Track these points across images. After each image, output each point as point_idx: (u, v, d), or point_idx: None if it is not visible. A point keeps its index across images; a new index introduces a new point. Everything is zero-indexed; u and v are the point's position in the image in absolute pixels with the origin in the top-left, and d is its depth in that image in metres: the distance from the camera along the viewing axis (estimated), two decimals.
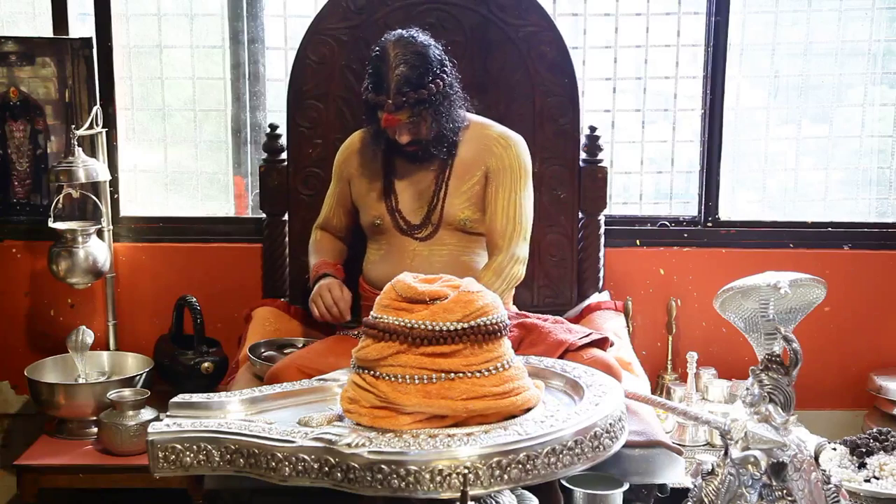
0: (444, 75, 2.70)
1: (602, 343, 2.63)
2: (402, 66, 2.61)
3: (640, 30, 3.58)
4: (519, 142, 2.84)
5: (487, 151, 2.81)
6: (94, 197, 3.37)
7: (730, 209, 3.66)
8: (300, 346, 2.91)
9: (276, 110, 3.56)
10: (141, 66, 3.60)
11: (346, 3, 3.17)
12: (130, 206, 3.61)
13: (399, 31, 2.71)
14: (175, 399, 2.17)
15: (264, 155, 3.29)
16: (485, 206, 2.80)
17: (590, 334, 2.63)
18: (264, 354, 2.83)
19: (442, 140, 2.74)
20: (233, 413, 2.16)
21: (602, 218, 3.30)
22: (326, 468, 1.92)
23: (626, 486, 2.46)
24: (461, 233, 2.83)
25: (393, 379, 2.02)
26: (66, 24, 3.47)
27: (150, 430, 2.05)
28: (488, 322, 2.06)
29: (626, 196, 3.70)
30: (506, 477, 1.90)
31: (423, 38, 2.69)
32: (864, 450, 2.91)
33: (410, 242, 2.83)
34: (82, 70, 3.45)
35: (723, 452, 2.27)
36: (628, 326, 3.36)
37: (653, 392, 2.97)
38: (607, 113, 3.62)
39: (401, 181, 2.85)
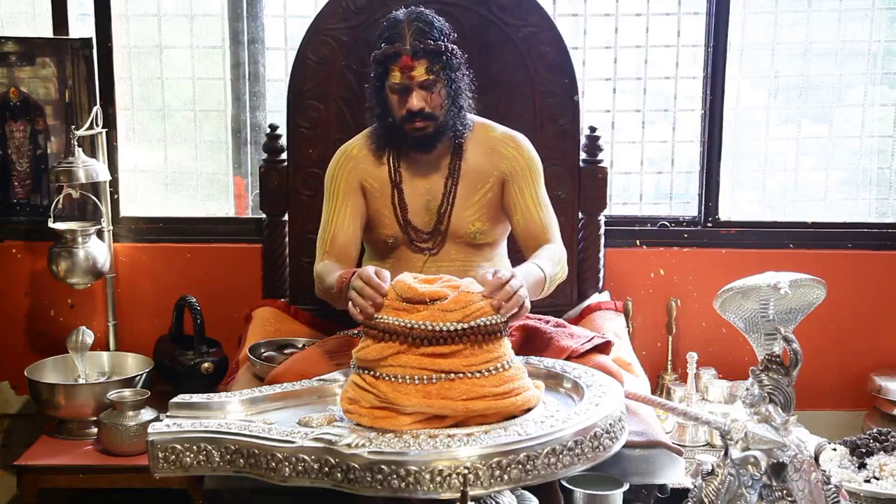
0: (456, 50, 2.66)
1: (605, 347, 2.61)
2: (419, 23, 2.60)
3: (640, 30, 3.58)
4: (526, 141, 2.80)
5: (497, 155, 2.74)
6: (94, 197, 3.37)
7: (730, 209, 3.66)
8: (300, 346, 2.90)
9: (276, 110, 3.55)
10: (141, 67, 3.60)
11: (346, 3, 3.17)
12: (130, 207, 3.61)
13: None
14: (175, 399, 2.17)
15: (264, 155, 3.29)
16: (508, 209, 2.74)
17: (592, 339, 2.60)
18: (264, 355, 2.83)
19: (453, 122, 2.65)
20: (233, 413, 2.17)
21: (602, 218, 3.29)
22: (326, 468, 1.92)
23: (626, 487, 2.46)
24: (469, 247, 2.77)
25: (393, 379, 2.03)
26: (66, 25, 3.47)
27: (150, 430, 2.05)
28: (488, 322, 2.07)
29: (626, 196, 3.69)
30: (506, 477, 1.90)
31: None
32: (864, 450, 2.90)
33: (419, 259, 2.75)
34: (82, 70, 3.45)
35: (723, 453, 2.27)
36: (628, 326, 3.36)
37: (653, 392, 2.97)
38: (607, 113, 3.62)
39: (409, 189, 2.74)
